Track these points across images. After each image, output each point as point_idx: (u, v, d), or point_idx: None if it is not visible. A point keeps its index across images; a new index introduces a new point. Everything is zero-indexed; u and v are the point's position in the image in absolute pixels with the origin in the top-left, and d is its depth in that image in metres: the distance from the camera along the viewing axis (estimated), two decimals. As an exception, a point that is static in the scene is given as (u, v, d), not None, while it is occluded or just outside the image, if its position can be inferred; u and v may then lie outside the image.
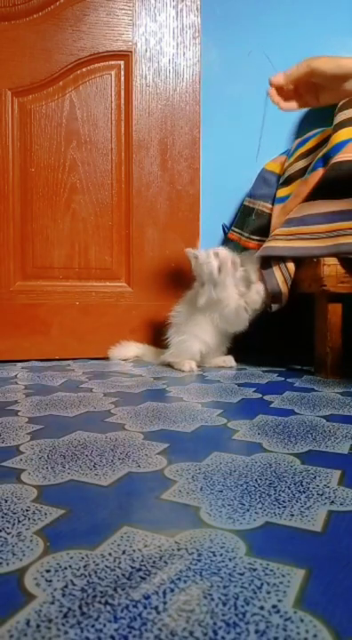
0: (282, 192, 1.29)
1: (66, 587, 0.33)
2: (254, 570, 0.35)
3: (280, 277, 1.16)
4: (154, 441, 0.65)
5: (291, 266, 1.15)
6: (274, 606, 0.31)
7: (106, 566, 0.35)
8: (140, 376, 1.15)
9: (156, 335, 1.39)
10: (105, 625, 0.29)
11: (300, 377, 1.12)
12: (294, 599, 0.31)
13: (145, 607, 0.30)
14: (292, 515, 0.43)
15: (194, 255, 1.22)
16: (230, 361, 1.28)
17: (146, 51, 1.44)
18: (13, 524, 0.42)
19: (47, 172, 1.40)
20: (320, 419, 0.76)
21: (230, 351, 1.30)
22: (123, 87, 1.44)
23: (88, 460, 0.58)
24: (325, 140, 1.17)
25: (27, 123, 1.38)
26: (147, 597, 0.31)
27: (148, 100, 1.44)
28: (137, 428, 0.71)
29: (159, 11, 1.44)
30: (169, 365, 1.28)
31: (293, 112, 1.57)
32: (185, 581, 0.33)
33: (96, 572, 0.34)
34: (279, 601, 0.31)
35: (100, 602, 0.31)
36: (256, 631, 0.28)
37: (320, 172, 1.12)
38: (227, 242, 1.48)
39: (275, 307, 1.19)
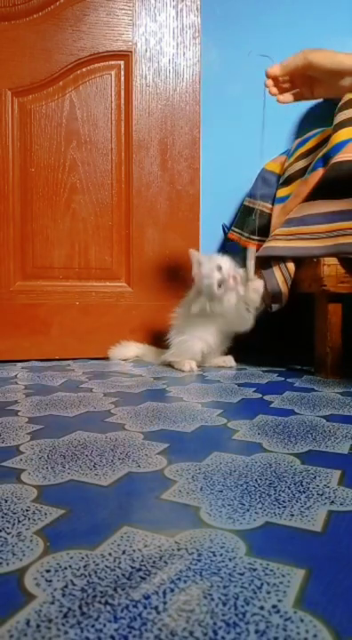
0: (282, 192, 1.29)
1: (66, 587, 0.33)
2: (254, 570, 0.35)
3: (280, 277, 1.16)
4: (154, 441, 0.65)
5: (291, 266, 1.15)
6: (274, 606, 0.31)
7: (106, 566, 0.35)
8: (139, 376, 1.15)
9: (156, 335, 1.39)
10: (105, 625, 0.29)
11: (300, 377, 1.12)
12: (294, 599, 0.31)
13: (145, 607, 0.30)
14: (292, 515, 0.43)
15: (198, 260, 1.18)
16: (230, 361, 1.28)
17: (146, 51, 1.44)
18: (13, 524, 0.42)
19: (47, 171, 1.40)
20: (320, 419, 0.76)
21: (230, 351, 1.30)
22: (123, 87, 1.44)
23: (88, 460, 0.58)
24: (325, 140, 1.17)
25: (27, 123, 1.38)
26: (147, 597, 0.31)
27: (148, 100, 1.44)
28: (137, 428, 0.71)
29: (159, 11, 1.44)
30: (169, 365, 1.28)
31: (292, 110, 1.57)
32: (185, 581, 0.33)
33: (96, 572, 0.34)
34: (279, 601, 0.31)
35: (100, 602, 0.31)
36: (256, 631, 0.28)
37: (320, 172, 1.12)
38: (227, 242, 1.48)
39: (275, 307, 1.19)
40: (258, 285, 1.15)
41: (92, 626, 0.29)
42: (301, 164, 1.24)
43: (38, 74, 1.38)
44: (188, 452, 0.60)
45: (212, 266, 1.15)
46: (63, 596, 0.32)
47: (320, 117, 1.48)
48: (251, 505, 0.45)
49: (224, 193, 1.56)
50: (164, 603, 0.31)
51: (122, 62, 1.43)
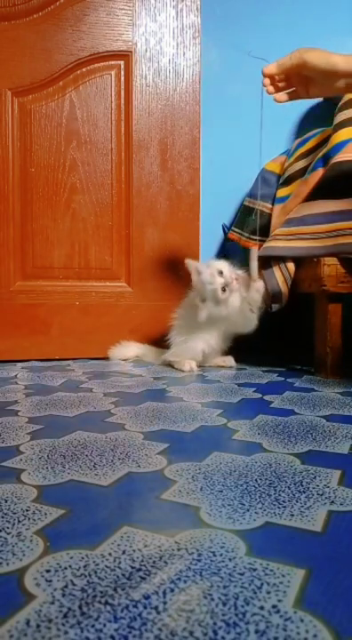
0: (282, 192, 1.29)
1: (66, 587, 0.33)
2: (254, 570, 0.35)
3: (280, 277, 1.16)
4: (154, 441, 0.65)
5: (291, 266, 1.15)
6: (274, 606, 0.31)
7: (106, 566, 0.35)
8: (140, 376, 1.15)
9: (156, 335, 1.39)
10: (105, 625, 0.29)
11: (300, 377, 1.12)
12: (294, 599, 0.31)
13: (145, 607, 0.30)
14: (292, 515, 0.43)
15: (196, 269, 1.18)
16: (230, 361, 1.28)
17: (146, 51, 1.44)
18: (13, 524, 0.42)
19: (47, 171, 1.40)
20: (320, 419, 0.76)
21: (230, 351, 1.30)
22: (123, 87, 1.44)
23: (88, 460, 0.58)
24: (325, 140, 1.17)
25: (27, 123, 1.38)
26: (147, 597, 0.31)
27: (148, 100, 1.44)
28: (137, 427, 0.71)
29: (159, 11, 1.44)
30: (169, 365, 1.28)
31: (292, 110, 1.57)
32: (185, 581, 0.33)
33: (96, 572, 0.34)
34: (279, 601, 0.31)
35: (100, 602, 0.31)
36: (256, 631, 0.28)
37: (320, 171, 1.12)
38: (227, 242, 1.48)
39: (275, 307, 1.19)
40: (259, 286, 1.16)
41: (92, 626, 0.29)
42: (301, 164, 1.25)
43: (38, 74, 1.38)
44: (187, 452, 0.60)
45: (213, 271, 1.15)
46: (63, 595, 0.32)
47: (320, 117, 1.49)
48: (251, 505, 0.45)
49: (224, 193, 1.56)
50: (164, 603, 0.31)
51: (122, 62, 1.43)
